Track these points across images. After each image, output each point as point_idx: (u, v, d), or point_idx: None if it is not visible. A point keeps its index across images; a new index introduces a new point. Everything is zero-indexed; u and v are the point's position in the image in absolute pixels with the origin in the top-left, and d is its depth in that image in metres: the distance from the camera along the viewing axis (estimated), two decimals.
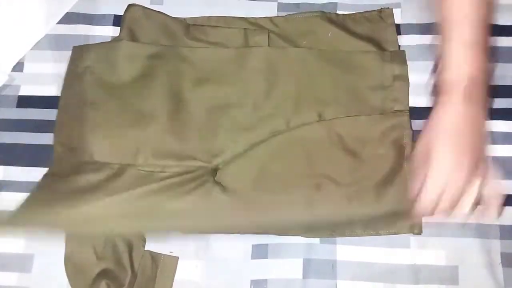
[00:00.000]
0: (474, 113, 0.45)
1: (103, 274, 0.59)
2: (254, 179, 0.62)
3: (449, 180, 0.44)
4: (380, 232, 0.61)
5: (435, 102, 0.46)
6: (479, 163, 0.45)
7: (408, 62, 0.67)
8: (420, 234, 0.60)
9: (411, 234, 0.61)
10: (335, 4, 0.72)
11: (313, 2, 0.72)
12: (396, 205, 0.61)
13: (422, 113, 0.65)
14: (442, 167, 0.44)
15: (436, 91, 0.46)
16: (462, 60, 0.44)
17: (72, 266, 0.60)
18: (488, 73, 0.46)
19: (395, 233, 0.61)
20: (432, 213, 0.47)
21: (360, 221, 0.61)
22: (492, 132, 0.65)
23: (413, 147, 0.63)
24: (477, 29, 0.45)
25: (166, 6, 0.72)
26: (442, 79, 0.45)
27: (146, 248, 0.61)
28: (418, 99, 0.66)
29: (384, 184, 0.62)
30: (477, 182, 0.44)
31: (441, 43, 0.46)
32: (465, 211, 0.45)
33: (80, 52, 0.67)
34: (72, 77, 0.66)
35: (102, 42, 0.69)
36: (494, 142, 0.64)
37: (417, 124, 0.65)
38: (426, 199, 0.45)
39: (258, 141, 0.63)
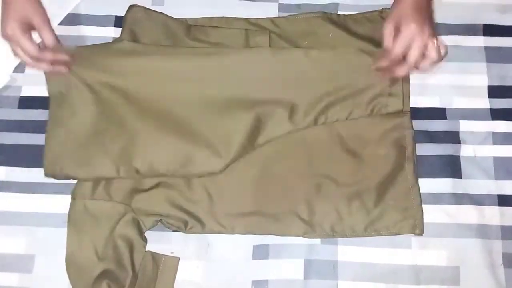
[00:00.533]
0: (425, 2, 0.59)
1: (104, 274, 0.59)
2: (256, 179, 0.62)
3: (416, 37, 0.57)
4: (381, 232, 0.61)
5: None
6: (432, 29, 0.59)
7: None
8: (422, 234, 0.60)
9: (413, 234, 0.61)
10: (336, 4, 0.72)
11: (314, 3, 0.72)
12: (397, 205, 0.61)
13: (423, 113, 0.65)
14: (410, 28, 0.57)
15: None
16: None
17: (73, 266, 0.60)
18: None
19: (396, 234, 0.61)
20: (398, 58, 0.59)
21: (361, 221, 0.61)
22: (492, 133, 0.65)
23: (413, 146, 0.63)
24: None
25: (167, 7, 0.72)
26: None
27: (147, 249, 0.62)
28: (418, 99, 0.66)
29: (385, 185, 0.62)
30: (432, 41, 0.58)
31: None
32: (433, 58, 0.58)
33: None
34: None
35: (102, 43, 0.69)
36: (495, 142, 0.64)
37: (417, 124, 0.65)
38: (398, 47, 0.58)
39: (259, 142, 0.63)
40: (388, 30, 0.59)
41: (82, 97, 0.63)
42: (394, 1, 0.61)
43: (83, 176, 0.62)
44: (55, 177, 0.62)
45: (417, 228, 0.60)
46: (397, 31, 0.58)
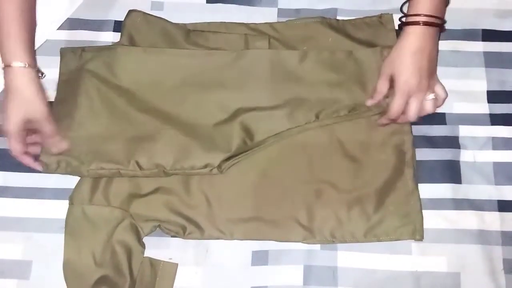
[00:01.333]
0: (431, 37, 0.59)
1: (102, 280, 0.58)
2: (255, 184, 0.62)
3: (414, 94, 0.59)
4: (381, 238, 0.60)
5: (403, 32, 0.60)
6: (432, 76, 0.61)
7: None
8: (422, 240, 0.60)
9: (413, 240, 0.60)
10: (335, 10, 0.72)
11: (313, 8, 0.72)
12: (397, 211, 0.61)
13: (422, 118, 0.65)
14: (408, 83, 0.59)
15: (404, 24, 0.60)
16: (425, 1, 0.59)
17: (70, 272, 0.59)
18: (443, 14, 0.61)
19: (396, 239, 0.60)
20: (398, 116, 0.61)
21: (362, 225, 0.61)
22: (492, 138, 0.65)
23: (413, 152, 0.63)
24: None
25: (166, 12, 0.72)
26: (409, 14, 0.60)
27: (145, 255, 0.61)
28: None
29: (385, 190, 0.62)
30: (431, 93, 0.61)
31: None
32: (429, 112, 0.61)
33: (72, 54, 0.67)
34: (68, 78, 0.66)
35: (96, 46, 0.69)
36: (495, 147, 0.64)
37: (417, 129, 0.65)
38: (396, 109, 0.60)
39: (260, 143, 0.63)
40: (383, 76, 0.61)
41: (88, 95, 0.64)
42: (397, 43, 0.61)
43: (81, 170, 0.61)
44: (52, 170, 0.62)
45: (417, 233, 0.60)
46: (392, 80, 0.60)
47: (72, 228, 0.60)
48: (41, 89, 0.60)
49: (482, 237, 0.61)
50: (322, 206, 0.61)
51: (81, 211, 0.61)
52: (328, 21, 0.69)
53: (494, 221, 0.61)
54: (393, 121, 0.62)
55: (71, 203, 0.61)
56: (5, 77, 0.59)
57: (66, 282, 0.59)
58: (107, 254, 0.59)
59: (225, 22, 0.70)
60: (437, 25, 0.60)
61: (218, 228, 0.61)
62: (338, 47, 0.67)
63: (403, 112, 0.61)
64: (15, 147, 0.60)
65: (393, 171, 0.62)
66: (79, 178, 0.63)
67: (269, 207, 0.61)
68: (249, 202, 0.62)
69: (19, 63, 0.58)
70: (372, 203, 0.61)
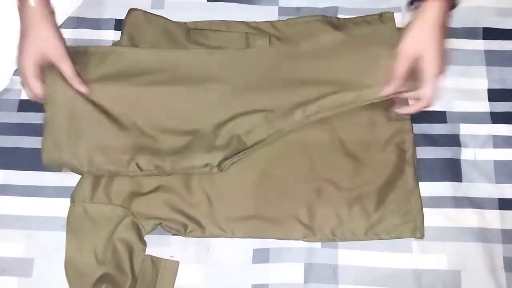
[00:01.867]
0: (447, 13, 0.56)
1: (103, 278, 0.58)
2: (256, 183, 0.62)
3: (440, 72, 0.56)
4: (381, 236, 0.60)
5: (423, 9, 0.56)
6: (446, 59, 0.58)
7: None
8: (422, 238, 0.60)
9: (413, 238, 0.60)
10: (336, 8, 0.72)
11: (314, 6, 0.72)
12: (398, 209, 0.61)
13: (423, 116, 0.65)
14: (434, 63, 0.55)
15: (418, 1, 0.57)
16: None
17: (72, 270, 0.59)
18: None
19: (397, 238, 0.60)
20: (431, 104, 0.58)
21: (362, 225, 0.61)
22: (493, 136, 0.65)
23: (414, 150, 0.63)
24: None
25: (167, 11, 0.72)
26: None
27: (146, 252, 0.61)
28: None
29: (386, 189, 0.62)
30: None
31: None
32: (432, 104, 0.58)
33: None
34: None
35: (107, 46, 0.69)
36: (495, 146, 0.64)
37: (418, 127, 0.65)
38: (429, 90, 0.56)
39: (259, 142, 0.63)
40: (403, 61, 0.56)
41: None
42: (416, 19, 0.56)
43: (79, 163, 0.61)
44: (53, 166, 0.62)
45: (418, 232, 0.60)
46: (413, 60, 0.56)
47: (73, 226, 0.61)
48: (57, 27, 0.59)
49: (482, 235, 0.61)
50: (322, 204, 0.61)
51: (83, 209, 0.61)
52: (328, 20, 0.69)
53: (494, 219, 0.62)
54: (413, 111, 0.59)
55: (72, 201, 0.62)
56: (20, 17, 0.58)
57: (67, 280, 0.59)
58: (108, 252, 0.59)
59: (225, 20, 0.70)
60: (452, 3, 0.57)
61: (219, 226, 0.61)
62: (338, 45, 0.67)
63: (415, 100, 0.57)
64: (33, 84, 0.58)
65: (393, 169, 0.62)
66: (80, 176, 0.63)
67: (269, 205, 0.62)
68: (250, 201, 0.62)
69: (33, 2, 0.57)
70: (373, 201, 0.61)
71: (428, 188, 0.63)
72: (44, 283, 0.60)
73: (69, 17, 0.72)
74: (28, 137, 0.66)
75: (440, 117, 0.66)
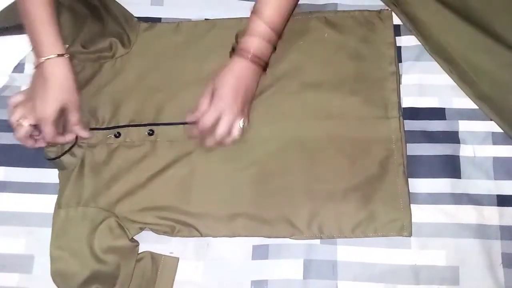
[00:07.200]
0: (253, 73, 0.62)
1: (93, 279, 0.58)
2: (253, 178, 0.62)
3: (225, 112, 0.61)
4: (368, 234, 0.60)
5: (232, 59, 0.62)
6: (246, 106, 0.63)
7: (406, 63, 0.67)
8: (410, 236, 0.60)
9: (400, 236, 0.60)
10: (335, 4, 0.71)
11: (313, 3, 0.72)
12: (385, 207, 0.60)
13: (422, 113, 0.65)
14: (223, 99, 0.61)
15: (234, 52, 0.63)
16: (256, 33, 0.62)
17: (59, 276, 0.59)
18: (274, 46, 0.64)
19: (384, 236, 0.60)
20: (207, 129, 0.61)
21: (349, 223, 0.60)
22: (492, 133, 0.65)
23: (403, 148, 0.63)
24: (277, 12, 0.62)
25: (166, 8, 0.72)
26: (240, 45, 0.62)
27: (146, 249, 0.62)
28: (417, 99, 0.66)
29: (374, 186, 0.61)
30: (242, 120, 0.62)
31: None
32: (235, 137, 0.62)
33: None
34: None
35: None
36: (494, 142, 0.64)
37: (416, 124, 0.65)
38: (207, 120, 0.61)
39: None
40: (206, 93, 0.62)
41: None
42: (226, 64, 0.62)
43: None
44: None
45: (405, 230, 0.60)
46: (213, 95, 0.61)
47: (58, 229, 0.61)
48: (75, 77, 0.63)
49: (481, 231, 0.61)
50: (309, 202, 0.61)
51: (68, 214, 0.61)
52: (325, 16, 0.69)
53: (493, 215, 0.62)
54: (202, 133, 0.62)
55: (58, 207, 0.62)
56: (43, 70, 0.60)
57: (55, 284, 0.59)
58: (94, 255, 0.59)
59: (216, 19, 0.70)
60: (261, 66, 0.62)
61: (206, 225, 0.61)
62: (333, 42, 0.67)
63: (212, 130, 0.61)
64: (50, 132, 0.61)
65: (382, 168, 0.62)
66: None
67: (256, 204, 0.61)
68: (236, 200, 0.62)
69: (55, 55, 0.60)
70: (361, 199, 0.61)
71: (427, 185, 0.63)
72: (44, 279, 0.61)
73: None
74: None
75: (439, 113, 0.66)
